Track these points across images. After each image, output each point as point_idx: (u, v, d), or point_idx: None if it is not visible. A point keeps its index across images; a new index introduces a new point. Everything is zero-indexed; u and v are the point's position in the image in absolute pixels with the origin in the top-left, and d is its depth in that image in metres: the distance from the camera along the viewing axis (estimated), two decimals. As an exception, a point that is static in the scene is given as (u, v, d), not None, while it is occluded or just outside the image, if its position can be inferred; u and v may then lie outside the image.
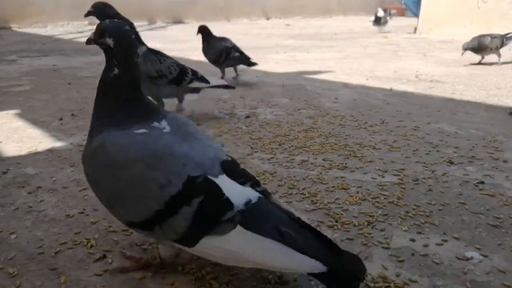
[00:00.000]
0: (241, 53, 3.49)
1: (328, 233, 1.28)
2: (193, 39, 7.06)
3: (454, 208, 1.43)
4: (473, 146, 2.02)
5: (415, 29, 8.00)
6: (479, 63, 4.38)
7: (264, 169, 1.75)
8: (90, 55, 5.06)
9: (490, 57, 4.41)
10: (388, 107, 2.77)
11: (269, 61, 4.65)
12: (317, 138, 2.13)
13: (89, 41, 1.08)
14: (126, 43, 1.02)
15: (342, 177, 1.67)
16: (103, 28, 1.03)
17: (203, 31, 3.50)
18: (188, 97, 2.52)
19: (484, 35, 4.23)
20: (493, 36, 4.22)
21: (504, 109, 2.71)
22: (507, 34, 4.33)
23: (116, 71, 1.01)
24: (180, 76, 2.32)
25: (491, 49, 4.22)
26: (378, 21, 8.04)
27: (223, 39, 3.52)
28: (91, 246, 1.21)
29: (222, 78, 3.44)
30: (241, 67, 3.71)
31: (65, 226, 1.32)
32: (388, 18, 8.29)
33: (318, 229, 1.29)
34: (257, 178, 1.63)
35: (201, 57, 4.94)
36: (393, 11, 11.53)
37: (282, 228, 0.93)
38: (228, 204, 0.93)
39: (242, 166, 1.75)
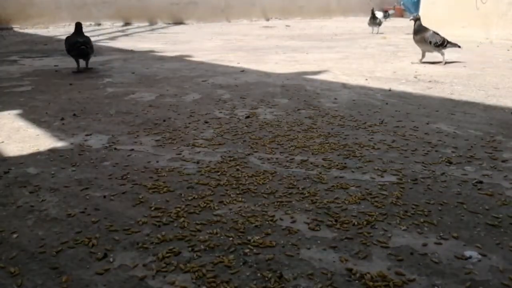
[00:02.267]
0: (87, 47, 3.87)
1: (327, 232, 1.29)
2: (194, 40, 7.09)
3: (452, 208, 1.43)
4: (471, 146, 2.03)
5: (415, 29, 8.00)
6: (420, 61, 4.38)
7: (264, 168, 1.76)
8: (92, 56, 5.06)
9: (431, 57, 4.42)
10: (387, 107, 2.78)
11: (269, 61, 4.66)
12: (316, 138, 2.14)
13: None
14: None
15: (341, 177, 1.68)
16: None
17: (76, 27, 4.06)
18: (189, 97, 2.52)
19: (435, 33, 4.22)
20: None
21: (503, 109, 2.72)
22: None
23: None
24: None
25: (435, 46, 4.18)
26: (374, 21, 8.04)
27: (83, 36, 3.99)
28: (92, 245, 1.22)
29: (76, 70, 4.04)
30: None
31: (67, 225, 1.33)
32: (384, 19, 8.29)
33: (317, 228, 1.31)
34: (256, 178, 1.66)
35: (203, 58, 4.97)
36: (391, 12, 11.55)
37: None
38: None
39: (242, 166, 1.78)
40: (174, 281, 1.07)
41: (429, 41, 4.15)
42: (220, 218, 1.37)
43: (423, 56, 4.41)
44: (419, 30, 4.22)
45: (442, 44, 4.19)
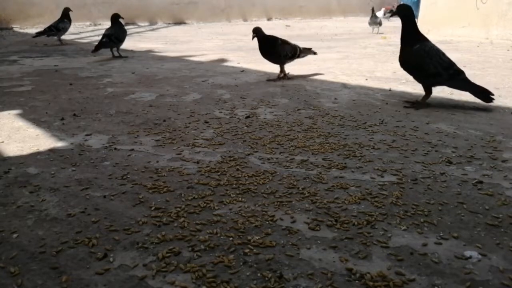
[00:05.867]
0: (110, 39, 4.68)
1: (327, 232, 1.29)
2: (194, 40, 7.09)
3: (452, 208, 1.43)
4: (471, 146, 2.03)
5: (415, 29, 8.00)
6: (282, 78, 3.78)
7: (264, 168, 1.76)
8: (91, 56, 5.07)
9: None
10: (387, 107, 2.78)
11: (269, 62, 4.65)
12: (316, 138, 2.14)
13: None
14: None
15: (341, 177, 1.68)
16: None
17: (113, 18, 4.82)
18: (189, 97, 2.52)
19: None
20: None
21: (503, 109, 2.72)
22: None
23: None
24: None
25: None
26: (375, 20, 8.06)
27: (110, 28, 4.76)
28: (92, 245, 1.22)
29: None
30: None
31: (67, 225, 1.33)
32: (386, 19, 8.31)
33: (317, 228, 1.31)
34: (256, 177, 1.66)
35: (203, 58, 4.97)
36: (393, 10, 11.57)
37: None
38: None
39: (242, 165, 1.78)
40: (174, 281, 1.07)
41: (279, 54, 3.60)
42: (220, 218, 1.37)
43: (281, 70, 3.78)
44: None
45: (293, 55, 3.68)
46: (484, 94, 2.75)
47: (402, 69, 2.91)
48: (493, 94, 2.76)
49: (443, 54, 2.76)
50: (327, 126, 2.35)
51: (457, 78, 2.74)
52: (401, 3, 10.98)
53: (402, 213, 1.39)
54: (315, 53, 3.97)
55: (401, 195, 1.52)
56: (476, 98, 2.77)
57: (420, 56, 2.69)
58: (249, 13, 12.12)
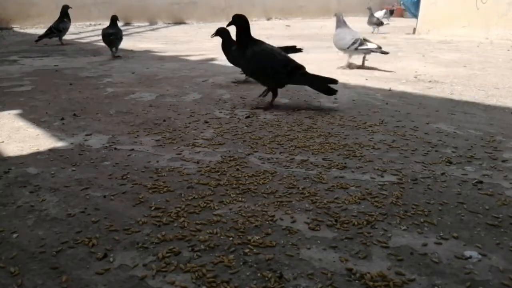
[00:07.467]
0: (116, 37, 4.75)
1: (327, 232, 1.29)
2: (194, 40, 7.09)
3: (452, 208, 1.43)
4: (471, 146, 2.03)
5: (414, 29, 8.02)
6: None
7: (264, 168, 1.76)
8: (91, 56, 5.07)
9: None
10: (387, 107, 2.78)
11: (269, 61, 4.65)
12: (316, 138, 2.14)
13: None
14: None
15: (341, 177, 1.68)
16: None
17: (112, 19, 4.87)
18: (189, 97, 2.52)
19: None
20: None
21: (503, 109, 2.72)
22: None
23: None
24: None
25: None
26: (372, 20, 8.05)
27: (110, 28, 4.77)
28: (92, 245, 1.22)
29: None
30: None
31: (67, 225, 1.33)
32: (387, 19, 8.30)
33: (317, 228, 1.31)
34: (256, 177, 1.66)
35: (203, 58, 4.97)
36: (393, 9, 11.57)
37: None
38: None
39: (242, 165, 1.78)
40: (174, 281, 1.07)
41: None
42: (220, 218, 1.37)
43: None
44: None
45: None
46: (327, 88, 2.71)
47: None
48: (336, 82, 2.69)
49: (280, 53, 2.69)
50: (327, 126, 2.35)
51: (296, 74, 2.66)
52: (402, 3, 10.98)
53: (402, 213, 1.39)
54: (300, 50, 3.62)
55: (401, 195, 1.52)
56: (476, 98, 2.78)
57: (255, 58, 2.63)
58: (249, 13, 12.10)
